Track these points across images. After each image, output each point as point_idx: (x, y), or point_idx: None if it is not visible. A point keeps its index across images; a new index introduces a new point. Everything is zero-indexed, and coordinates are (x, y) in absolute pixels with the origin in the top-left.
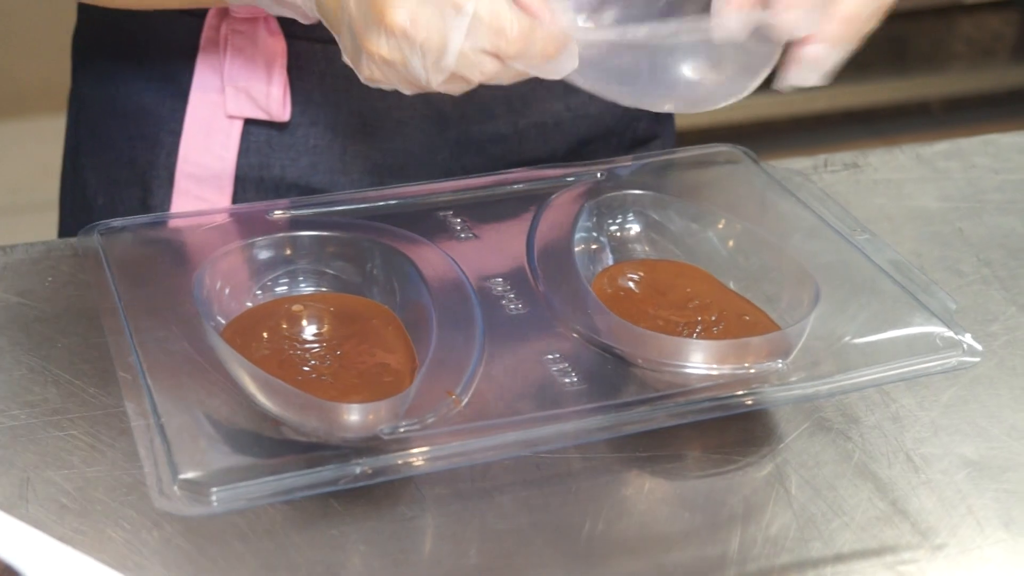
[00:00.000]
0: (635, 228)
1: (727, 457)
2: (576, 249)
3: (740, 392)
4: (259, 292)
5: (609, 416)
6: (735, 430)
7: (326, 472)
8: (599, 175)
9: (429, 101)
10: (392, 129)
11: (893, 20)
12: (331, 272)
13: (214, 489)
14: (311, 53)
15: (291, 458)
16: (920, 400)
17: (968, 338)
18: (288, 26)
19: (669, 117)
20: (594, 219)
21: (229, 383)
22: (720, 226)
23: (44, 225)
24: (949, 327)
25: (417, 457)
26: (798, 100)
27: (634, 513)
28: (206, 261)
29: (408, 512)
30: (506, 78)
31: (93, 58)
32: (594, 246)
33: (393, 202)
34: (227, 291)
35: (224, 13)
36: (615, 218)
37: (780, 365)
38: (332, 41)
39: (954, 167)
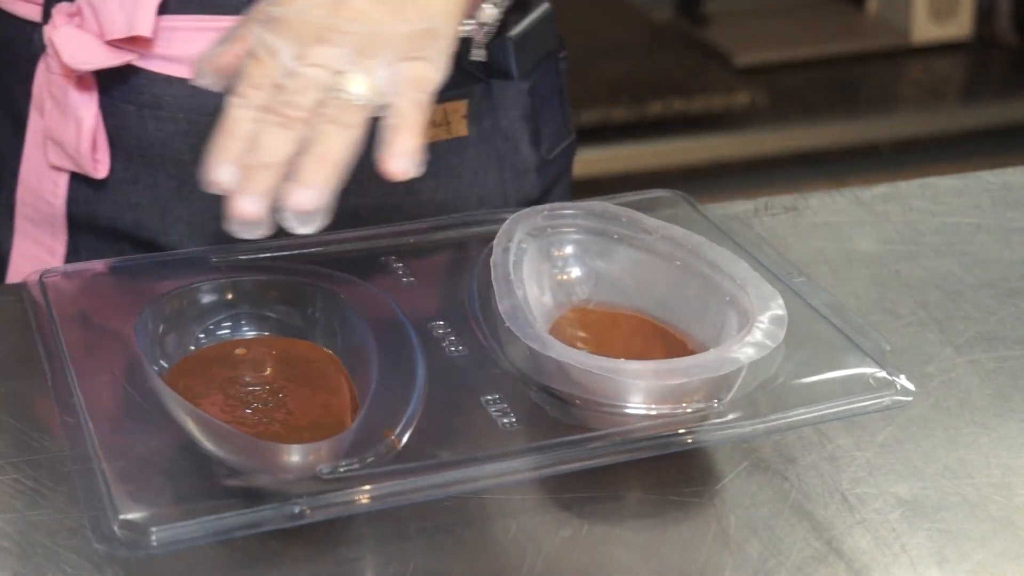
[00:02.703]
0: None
1: (665, 497)
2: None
3: (678, 431)
4: (202, 336)
5: (547, 456)
6: (673, 470)
7: (265, 512)
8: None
9: None
10: (209, 199)
11: (842, 64)
12: (273, 316)
13: (153, 529)
14: (126, 114)
15: (231, 498)
16: (856, 440)
17: (901, 378)
18: (103, 83)
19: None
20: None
21: (171, 426)
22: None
23: None
24: (882, 367)
25: (355, 496)
26: (748, 144)
27: (572, 554)
28: (148, 305)
29: (349, 553)
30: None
31: None
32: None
33: (334, 247)
34: (169, 335)
35: (48, 65)
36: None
37: (717, 405)
38: (146, 105)
39: (892, 210)
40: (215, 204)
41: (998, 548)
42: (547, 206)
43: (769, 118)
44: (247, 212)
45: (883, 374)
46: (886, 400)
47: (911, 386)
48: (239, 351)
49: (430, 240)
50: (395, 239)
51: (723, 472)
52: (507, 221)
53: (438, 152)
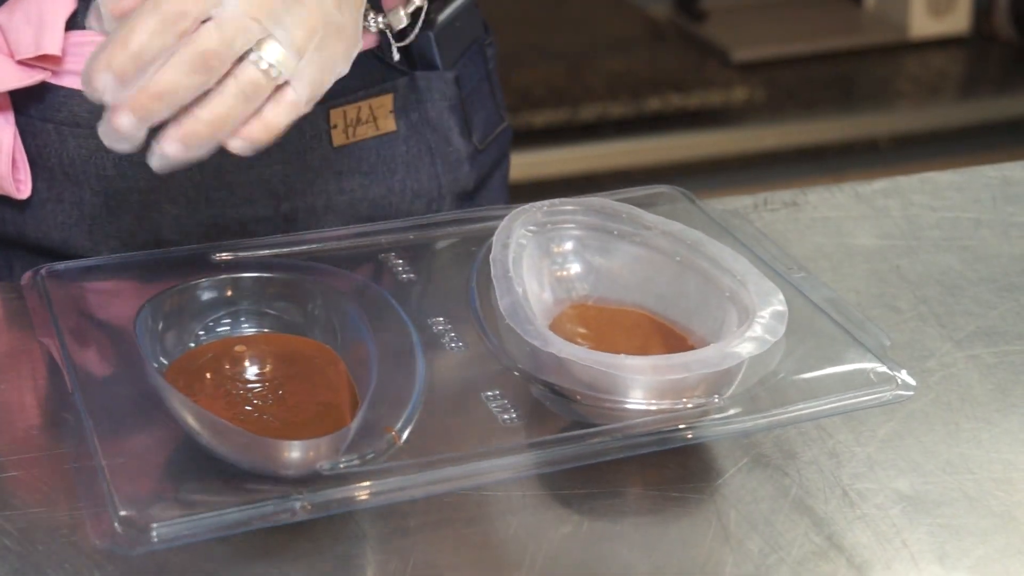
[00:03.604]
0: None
1: (665, 494)
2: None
3: (678, 426)
4: (201, 333)
5: (548, 452)
6: (673, 466)
7: (266, 507)
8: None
9: (172, 185)
10: (137, 211)
11: (840, 58)
12: (273, 313)
13: (154, 526)
14: (45, 132)
15: (231, 494)
16: (857, 435)
17: (902, 373)
18: (20, 103)
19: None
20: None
21: (171, 423)
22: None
23: None
24: (883, 362)
25: (356, 493)
26: (746, 139)
27: (573, 550)
28: (148, 302)
29: (349, 550)
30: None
31: None
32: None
33: (333, 243)
34: (169, 332)
35: None
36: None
37: (717, 400)
38: (64, 123)
39: (892, 205)
40: (145, 217)
41: (999, 543)
42: (546, 202)
43: (767, 114)
44: (126, 129)
45: (883, 369)
46: (886, 395)
47: (912, 381)
48: (239, 348)
49: (430, 236)
50: (395, 236)
51: (723, 468)
52: (506, 217)
53: (367, 149)
